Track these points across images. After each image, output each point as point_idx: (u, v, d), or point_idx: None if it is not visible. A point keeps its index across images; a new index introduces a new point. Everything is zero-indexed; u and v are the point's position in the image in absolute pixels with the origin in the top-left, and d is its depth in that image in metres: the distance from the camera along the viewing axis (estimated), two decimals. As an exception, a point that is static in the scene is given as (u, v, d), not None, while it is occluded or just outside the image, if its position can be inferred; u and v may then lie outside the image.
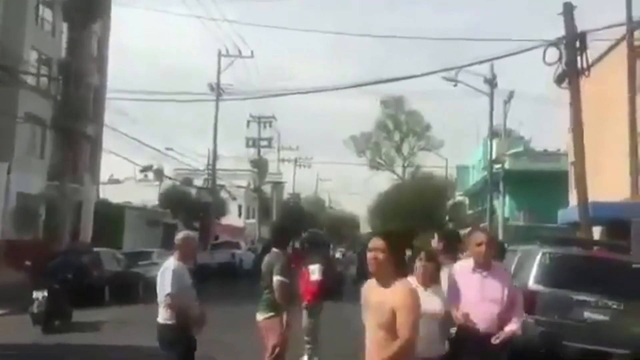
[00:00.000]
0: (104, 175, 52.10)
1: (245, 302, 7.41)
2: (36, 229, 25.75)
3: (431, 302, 4.66)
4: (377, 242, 3.86)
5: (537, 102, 37.00)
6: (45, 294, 11.92)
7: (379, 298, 3.79)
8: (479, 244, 5.12)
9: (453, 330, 5.17)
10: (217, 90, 32.83)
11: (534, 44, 14.63)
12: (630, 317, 8.25)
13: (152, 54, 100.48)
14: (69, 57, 28.11)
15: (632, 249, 12.11)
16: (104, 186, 48.25)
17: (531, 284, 8.51)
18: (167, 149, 34.05)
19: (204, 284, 14.91)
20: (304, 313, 9.33)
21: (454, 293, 5.14)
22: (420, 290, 4.51)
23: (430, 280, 4.86)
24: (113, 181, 53.99)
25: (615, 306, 8.35)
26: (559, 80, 14.06)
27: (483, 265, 5.14)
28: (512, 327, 5.05)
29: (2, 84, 23.61)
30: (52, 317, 12.11)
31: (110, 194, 40.39)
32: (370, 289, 3.96)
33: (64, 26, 28.33)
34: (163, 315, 5.92)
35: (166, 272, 5.88)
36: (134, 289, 18.45)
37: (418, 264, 4.84)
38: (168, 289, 5.75)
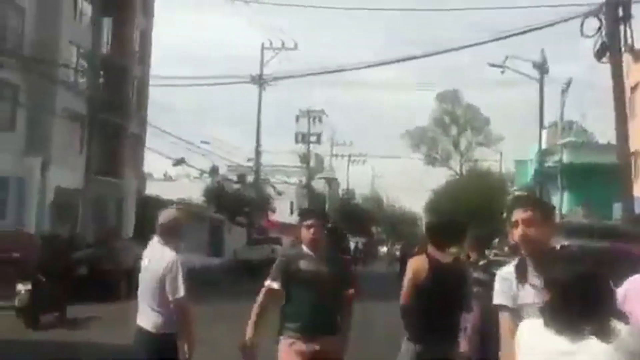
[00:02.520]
0: (158, 173, 53.27)
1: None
2: (74, 224, 25.75)
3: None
4: None
5: (605, 91, 34.57)
6: (29, 287, 11.36)
7: None
8: None
9: None
10: (260, 82, 32.33)
11: (572, 15, 13.10)
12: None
13: (197, 52, 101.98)
14: (110, 52, 28.29)
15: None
16: (158, 183, 48.84)
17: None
18: (203, 142, 33.73)
19: (241, 279, 14.08)
20: None
21: None
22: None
23: None
24: (167, 178, 54.72)
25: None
26: (598, 54, 12.52)
27: None
28: None
29: (40, 78, 23.73)
30: (37, 311, 11.53)
31: (167, 191, 40.40)
32: None
33: (105, 20, 28.39)
34: (159, 320, 4.63)
35: (176, 267, 4.58)
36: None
37: None
38: (181, 292, 4.54)
